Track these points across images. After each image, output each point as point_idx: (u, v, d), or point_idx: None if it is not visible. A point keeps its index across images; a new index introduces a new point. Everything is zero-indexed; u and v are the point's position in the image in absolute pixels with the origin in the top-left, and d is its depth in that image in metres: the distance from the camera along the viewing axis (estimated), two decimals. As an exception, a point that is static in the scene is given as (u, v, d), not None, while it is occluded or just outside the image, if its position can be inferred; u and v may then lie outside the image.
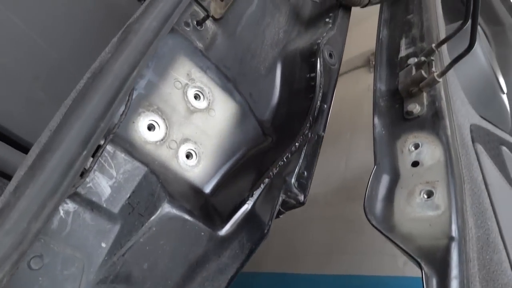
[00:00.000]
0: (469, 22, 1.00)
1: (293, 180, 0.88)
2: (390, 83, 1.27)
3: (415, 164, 1.00)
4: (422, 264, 0.77)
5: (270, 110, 1.07)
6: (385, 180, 1.01)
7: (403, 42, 1.37)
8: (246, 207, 0.77)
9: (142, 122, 0.75)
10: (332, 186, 3.68)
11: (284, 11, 1.24)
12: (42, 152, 0.51)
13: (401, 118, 1.13)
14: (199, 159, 0.82)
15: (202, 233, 0.70)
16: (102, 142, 0.64)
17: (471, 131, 1.14)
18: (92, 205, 0.61)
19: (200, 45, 0.92)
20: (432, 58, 1.11)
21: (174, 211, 0.66)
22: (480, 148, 1.08)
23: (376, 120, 1.13)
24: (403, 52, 1.33)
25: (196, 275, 0.69)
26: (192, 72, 0.86)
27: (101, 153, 0.62)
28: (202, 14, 0.96)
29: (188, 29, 0.91)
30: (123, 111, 0.67)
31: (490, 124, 1.36)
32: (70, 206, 0.58)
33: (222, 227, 0.72)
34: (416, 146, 1.03)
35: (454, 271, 0.76)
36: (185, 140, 0.81)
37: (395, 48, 1.37)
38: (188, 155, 0.81)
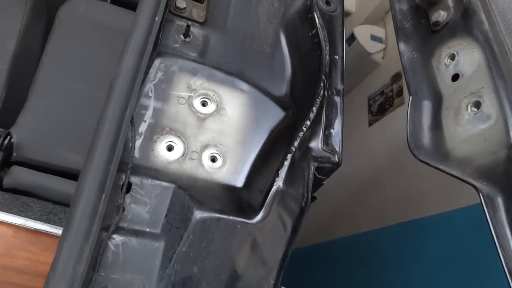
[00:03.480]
0: None
1: (320, 145, 0.86)
2: (411, -2, 1.12)
3: (455, 77, 0.88)
4: (479, 187, 0.69)
5: (287, 82, 1.05)
6: (426, 107, 0.91)
7: None
8: (276, 188, 0.78)
9: (160, 147, 0.83)
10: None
11: (271, -22, 1.20)
12: (71, 208, 0.62)
13: (430, 33, 0.99)
14: (224, 159, 0.86)
15: (238, 226, 0.74)
16: (124, 179, 0.74)
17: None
18: (136, 233, 0.70)
19: (193, 54, 0.96)
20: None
21: (204, 215, 0.73)
22: (538, 26, 0.89)
23: (403, 46, 1.02)
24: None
25: (246, 262, 0.74)
26: (192, 83, 0.91)
27: (126, 189, 0.71)
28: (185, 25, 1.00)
29: (177, 45, 0.96)
30: (131, 146, 0.75)
31: None
32: (117, 239, 0.69)
33: (256, 214, 0.76)
34: (452, 57, 0.91)
35: (522, 182, 0.66)
36: (205, 147, 0.86)
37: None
38: (213, 159, 0.86)
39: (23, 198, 1.31)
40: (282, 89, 1.04)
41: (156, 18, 0.83)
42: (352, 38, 3.81)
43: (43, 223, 1.21)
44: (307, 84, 0.98)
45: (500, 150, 0.72)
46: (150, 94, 0.86)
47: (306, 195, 0.80)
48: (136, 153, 0.80)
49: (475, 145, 0.77)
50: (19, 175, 1.35)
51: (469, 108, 0.81)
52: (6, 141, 1.33)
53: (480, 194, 0.68)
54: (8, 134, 1.31)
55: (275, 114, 0.96)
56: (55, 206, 1.30)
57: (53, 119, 1.43)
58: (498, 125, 0.74)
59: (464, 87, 0.84)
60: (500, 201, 0.68)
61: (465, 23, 0.90)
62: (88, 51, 1.58)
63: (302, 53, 1.05)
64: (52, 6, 1.68)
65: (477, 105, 0.80)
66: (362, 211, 3.70)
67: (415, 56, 1.00)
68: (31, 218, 1.31)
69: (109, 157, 0.66)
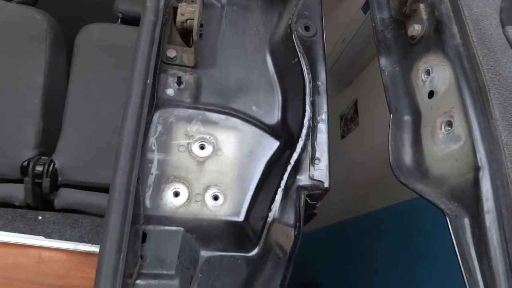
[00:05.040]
0: None
1: (308, 174, 0.94)
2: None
3: (431, 94, 0.91)
4: (446, 212, 0.75)
5: (278, 110, 1.12)
6: (407, 124, 0.95)
7: None
8: (270, 221, 0.88)
9: (167, 195, 0.95)
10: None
11: (255, 5, 1.25)
12: (97, 269, 0.77)
13: (409, 45, 1.02)
14: (224, 196, 0.98)
15: (239, 261, 0.86)
16: (140, 231, 0.87)
17: (501, 11, 0.93)
18: (155, 276, 0.84)
19: (188, 100, 1.06)
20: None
21: (209, 254, 0.85)
22: (513, 30, 0.89)
23: (384, 60, 1.05)
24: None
25: (250, 291, 0.86)
26: (189, 130, 1.01)
27: (142, 239, 0.85)
28: (179, 72, 1.09)
29: (172, 94, 1.06)
30: (141, 201, 0.89)
31: None
32: (140, 284, 0.84)
33: (254, 248, 0.87)
34: (428, 73, 0.93)
35: (487, 204, 0.72)
36: (207, 188, 0.97)
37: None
38: (216, 197, 0.97)
39: (73, 216, 1.52)
40: (274, 116, 1.12)
41: (148, 81, 0.93)
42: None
43: (91, 245, 1.41)
44: (295, 111, 1.05)
45: (468, 172, 0.76)
46: (154, 148, 0.98)
47: (298, 224, 0.89)
48: (148, 204, 0.94)
49: (449, 165, 0.82)
50: (67, 196, 1.56)
51: (443, 127, 0.85)
52: (50, 168, 1.54)
53: (447, 218, 0.74)
54: (51, 161, 1.52)
55: (269, 145, 1.05)
56: (101, 219, 1.50)
57: (88, 141, 1.62)
58: (466, 146, 0.78)
59: (439, 105, 0.88)
60: (467, 222, 0.73)
61: (438, 38, 0.92)
62: (108, 72, 1.73)
63: (289, 79, 1.11)
64: (70, 35, 1.83)
65: (450, 124, 0.84)
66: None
67: (397, 69, 1.03)
68: (83, 234, 1.52)
69: (122, 220, 0.79)
